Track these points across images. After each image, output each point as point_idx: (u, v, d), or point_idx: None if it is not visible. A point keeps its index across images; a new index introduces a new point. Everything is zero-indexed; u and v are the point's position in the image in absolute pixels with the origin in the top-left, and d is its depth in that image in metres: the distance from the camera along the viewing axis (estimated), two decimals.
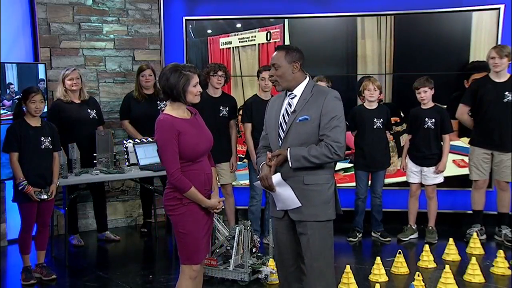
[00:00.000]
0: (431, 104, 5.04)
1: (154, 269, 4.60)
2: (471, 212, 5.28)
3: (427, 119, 5.00)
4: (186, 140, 2.99)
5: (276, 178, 2.93)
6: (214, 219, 3.36)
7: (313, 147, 2.89)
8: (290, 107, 3.00)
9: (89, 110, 5.03)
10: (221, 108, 5.00)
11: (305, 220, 2.95)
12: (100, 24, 5.69)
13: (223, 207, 3.17)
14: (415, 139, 5.10)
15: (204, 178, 3.09)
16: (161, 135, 2.99)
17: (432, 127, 4.99)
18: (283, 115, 3.02)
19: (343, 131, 2.92)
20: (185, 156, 3.00)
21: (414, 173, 5.14)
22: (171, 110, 3.07)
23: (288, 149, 2.91)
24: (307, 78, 3.05)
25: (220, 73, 4.94)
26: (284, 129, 2.98)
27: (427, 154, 5.05)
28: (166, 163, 3.01)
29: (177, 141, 2.97)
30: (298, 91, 3.01)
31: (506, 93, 4.91)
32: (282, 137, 2.99)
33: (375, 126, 5.10)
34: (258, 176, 3.05)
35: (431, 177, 5.06)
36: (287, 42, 5.68)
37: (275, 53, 3.04)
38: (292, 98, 3.02)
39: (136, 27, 5.87)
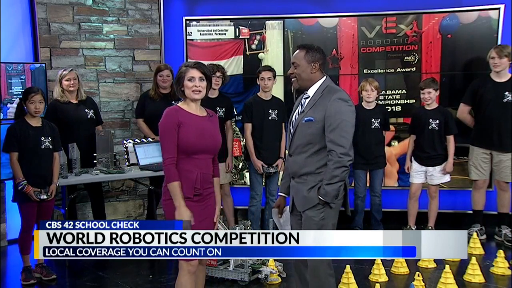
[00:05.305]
0: (434, 105, 5.05)
1: (154, 269, 4.60)
2: (471, 212, 5.29)
3: (431, 120, 5.00)
4: (184, 131, 2.99)
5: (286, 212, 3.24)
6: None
7: (325, 172, 2.93)
8: (301, 107, 3.07)
9: (86, 110, 4.99)
10: (218, 109, 4.98)
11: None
12: (100, 24, 5.68)
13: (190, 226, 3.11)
14: (420, 140, 5.09)
15: (197, 176, 3.04)
16: (162, 122, 3.03)
17: (437, 128, 4.99)
18: (295, 114, 3.11)
19: (346, 134, 2.90)
20: (180, 147, 2.99)
21: (419, 173, 5.12)
22: (182, 104, 3.10)
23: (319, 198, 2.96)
24: (323, 78, 3.06)
25: (218, 74, 4.92)
26: (293, 128, 3.08)
27: (432, 155, 5.04)
28: (162, 150, 3.03)
29: (177, 132, 2.98)
30: (312, 91, 3.05)
31: (506, 93, 4.91)
32: (291, 136, 3.09)
33: (372, 126, 5.11)
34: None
35: (438, 176, 5.06)
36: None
37: (296, 51, 3.09)
38: (306, 98, 3.07)
39: (136, 27, 5.86)
